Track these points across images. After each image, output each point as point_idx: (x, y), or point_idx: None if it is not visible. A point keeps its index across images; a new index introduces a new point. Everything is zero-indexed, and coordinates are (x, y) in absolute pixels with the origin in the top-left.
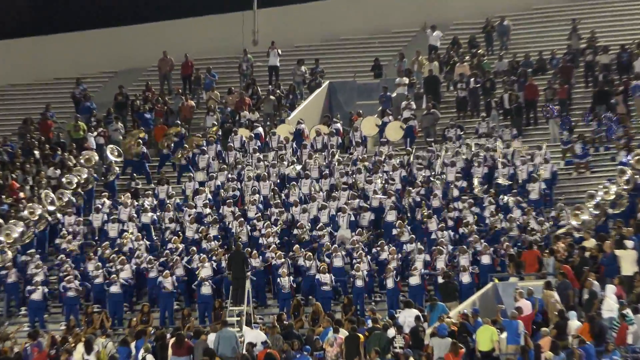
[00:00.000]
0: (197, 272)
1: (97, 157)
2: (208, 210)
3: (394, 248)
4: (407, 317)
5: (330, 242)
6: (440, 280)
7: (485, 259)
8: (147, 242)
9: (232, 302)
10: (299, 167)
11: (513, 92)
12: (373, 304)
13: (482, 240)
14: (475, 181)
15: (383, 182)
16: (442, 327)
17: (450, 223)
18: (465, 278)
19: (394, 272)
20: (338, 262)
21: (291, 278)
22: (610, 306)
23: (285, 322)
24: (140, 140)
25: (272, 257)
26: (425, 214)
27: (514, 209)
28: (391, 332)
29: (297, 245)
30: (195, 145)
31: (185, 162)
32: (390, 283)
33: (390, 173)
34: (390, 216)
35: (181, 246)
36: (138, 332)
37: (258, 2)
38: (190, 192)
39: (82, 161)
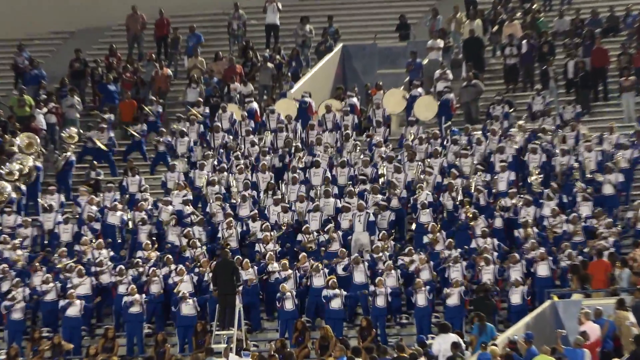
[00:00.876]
0: (174, 289)
1: (38, 141)
2: (189, 209)
3: (423, 256)
4: (443, 344)
5: (343, 249)
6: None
7: (542, 270)
8: (111, 252)
9: (218, 325)
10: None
11: (578, 59)
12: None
13: (541, 248)
14: (533, 171)
15: (420, 172)
16: (484, 356)
17: (499, 224)
18: (515, 297)
19: (426, 287)
20: (360, 277)
21: (294, 293)
22: None
23: (286, 349)
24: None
25: (275, 270)
26: (471, 214)
27: (581, 205)
28: None
29: (303, 254)
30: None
31: (163, 150)
32: (420, 300)
33: (428, 161)
34: (425, 216)
35: (154, 255)
36: None
37: None
38: (173, 186)
39: (21, 144)
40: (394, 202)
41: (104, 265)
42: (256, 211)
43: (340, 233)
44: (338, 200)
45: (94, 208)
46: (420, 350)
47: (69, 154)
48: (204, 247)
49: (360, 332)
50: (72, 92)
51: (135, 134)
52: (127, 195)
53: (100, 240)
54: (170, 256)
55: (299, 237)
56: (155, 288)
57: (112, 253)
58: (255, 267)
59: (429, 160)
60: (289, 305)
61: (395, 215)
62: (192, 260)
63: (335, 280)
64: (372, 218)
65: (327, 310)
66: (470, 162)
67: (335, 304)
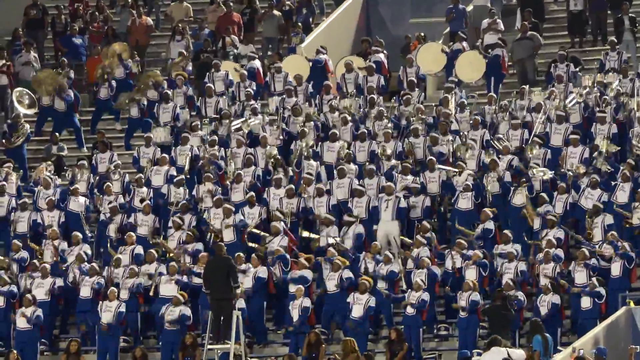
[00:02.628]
0: (152, 293)
1: None
2: (179, 192)
3: (478, 252)
4: None
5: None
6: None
7: (616, 269)
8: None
9: (211, 338)
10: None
11: None
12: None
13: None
14: (603, 144)
15: (455, 147)
16: None
17: (559, 210)
18: (585, 301)
19: (470, 292)
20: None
21: (305, 300)
22: None
23: None
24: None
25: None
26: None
27: None
28: None
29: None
30: (152, 84)
31: (136, 115)
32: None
33: (467, 133)
34: (464, 202)
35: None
36: None
37: None
38: (147, 163)
39: None
40: (432, 186)
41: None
42: (252, 194)
43: (352, 234)
44: (356, 181)
45: (50, 192)
46: None
47: (27, 126)
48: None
49: (389, 347)
50: (27, 47)
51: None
52: (97, 177)
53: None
54: (154, 251)
55: (304, 234)
56: (124, 295)
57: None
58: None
59: (468, 132)
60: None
61: (431, 201)
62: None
63: (367, 283)
64: (403, 204)
65: (348, 320)
66: (520, 134)
67: (357, 312)
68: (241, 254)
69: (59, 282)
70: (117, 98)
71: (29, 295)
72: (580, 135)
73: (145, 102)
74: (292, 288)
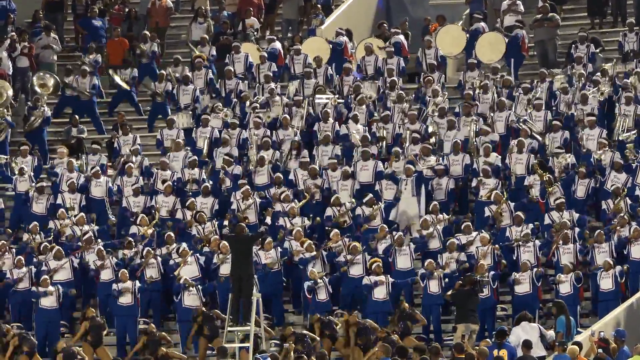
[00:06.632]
0: (174, 273)
1: (10, 91)
2: (194, 173)
3: (486, 235)
4: (524, 336)
5: (384, 226)
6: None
7: (637, 251)
8: (96, 227)
9: (231, 319)
10: None
11: None
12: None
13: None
14: (621, 125)
15: (477, 129)
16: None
17: (580, 194)
18: (606, 282)
19: (489, 273)
20: (404, 262)
21: (326, 280)
22: None
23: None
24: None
25: (297, 248)
26: (546, 179)
27: None
28: None
29: (335, 231)
30: (174, 76)
31: (159, 99)
32: (483, 290)
33: (491, 115)
34: (486, 192)
35: (150, 232)
36: None
37: None
38: (171, 144)
39: None
40: (455, 168)
41: (92, 242)
42: (280, 175)
43: (382, 204)
44: (380, 163)
45: (73, 175)
46: (485, 351)
47: (44, 108)
48: (215, 222)
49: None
50: (47, 30)
51: (123, 83)
52: (121, 159)
53: (81, 214)
54: (171, 233)
55: (329, 211)
56: (150, 273)
57: (96, 228)
58: (279, 249)
59: (492, 114)
60: (321, 295)
61: (455, 183)
62: (199, 241)
63: (380, 264)
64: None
65: (370, 302)
66: (543, 115)
67: (380, 293)
68: (271, 240)
69: (77, 262)
70: (142, 79)
71: (46, 277)
72: (596, 116)
73: (171, 88)
74: (308, 271)
